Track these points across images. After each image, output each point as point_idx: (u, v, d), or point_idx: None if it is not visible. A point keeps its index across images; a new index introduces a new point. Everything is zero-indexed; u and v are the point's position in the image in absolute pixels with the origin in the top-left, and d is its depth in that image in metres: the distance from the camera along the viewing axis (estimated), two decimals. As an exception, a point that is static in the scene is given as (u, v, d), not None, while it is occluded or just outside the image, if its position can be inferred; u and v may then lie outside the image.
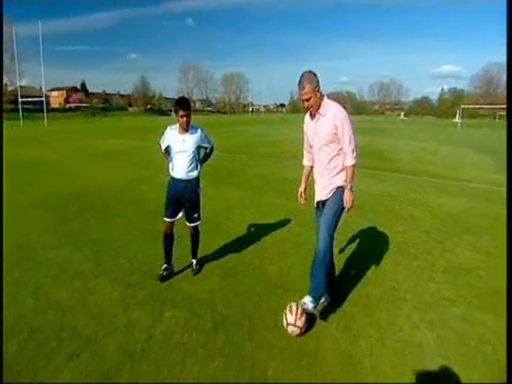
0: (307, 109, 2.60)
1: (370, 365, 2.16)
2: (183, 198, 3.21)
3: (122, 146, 14.41)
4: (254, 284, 3.16)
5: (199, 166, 3.27)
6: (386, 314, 2.72)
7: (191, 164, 3.16)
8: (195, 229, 3.38)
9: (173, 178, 3.22)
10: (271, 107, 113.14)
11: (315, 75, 2.51)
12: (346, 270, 3.50)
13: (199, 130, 3.20)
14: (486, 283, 3.24)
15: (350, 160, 2.57)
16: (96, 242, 4.10)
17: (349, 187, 2.57)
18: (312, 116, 2.65)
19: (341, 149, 2.58)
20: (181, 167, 3.15)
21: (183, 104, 3.00)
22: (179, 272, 3.36)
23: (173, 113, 3.19)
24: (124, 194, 6.50)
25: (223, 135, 19.97)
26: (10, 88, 49.55)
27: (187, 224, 3.35)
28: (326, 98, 2.57)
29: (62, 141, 17.25)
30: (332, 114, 2.51)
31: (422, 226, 4.86)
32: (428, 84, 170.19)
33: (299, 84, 2.49)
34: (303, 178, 2.95)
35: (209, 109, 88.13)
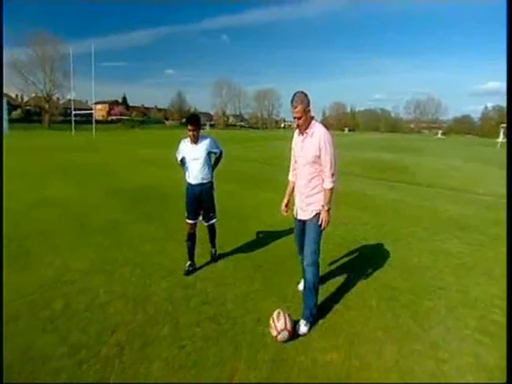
0: (297, 126, 2.75)
1: (356, 293, 3.26)
2: (200, 200, 3.61)
3: (161, 154, 16.12)
4: (279, 250, 4.33)
5: (211, 170, 3.67)
6: (374, 273, 3.77)
7: (204, 169, 3.54)
8: (212, 226, 3.82)
9: (189, 184, 3.62)
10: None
11: (306, 96, 2.65)
12: (350, 247, 4.56)
13: (208, 139, 3.58)
14: (460, 261, 4.18)
15: (328, 183, 2.69)
16: (161, 220, 5.48)
17: (326, 208, 2.71)
18: (300, 134, 2.80)
19: (322, 170, 2.72)
20: (195, 173, 3.53)
21: (191, 120, 3.40)
22: (225, 241, 4.56)
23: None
24: (172, 191, 7.89)
25: (256, 149, 21.50)
26: (61, 102, 54.69)
27: (204, 223, 3.77)
28: (314, 120, 2.74)
29: (109, 149, 19.45)
30: (318, 137, 2.65)
31: (423, 223, 5.79)
32: (470, 102, 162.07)
33: (292, 102, 2.63)
34: (287, 193, 3.07)
35: (241, 124, 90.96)
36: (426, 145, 34.34)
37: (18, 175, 9.41)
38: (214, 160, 3.77)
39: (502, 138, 38.61)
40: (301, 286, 3.23)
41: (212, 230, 3.86)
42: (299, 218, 2.91)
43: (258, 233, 5.02)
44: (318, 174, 2.73)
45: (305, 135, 2.74)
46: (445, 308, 3.06)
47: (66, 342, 2.46)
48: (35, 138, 27.66)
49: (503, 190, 9.56)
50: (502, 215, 6.42)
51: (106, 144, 23.46)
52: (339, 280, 3.56)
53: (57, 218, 5.46)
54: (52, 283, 3.32)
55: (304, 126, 2.71)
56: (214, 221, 3.78)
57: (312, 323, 2.75)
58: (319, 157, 2.66)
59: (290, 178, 3.08)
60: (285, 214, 3.05)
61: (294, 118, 2.68)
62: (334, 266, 3.87)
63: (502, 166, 15.64)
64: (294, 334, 2.55)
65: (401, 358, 2.40)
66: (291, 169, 3.06)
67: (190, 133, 3.42)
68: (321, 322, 2.80)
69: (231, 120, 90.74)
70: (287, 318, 2.52)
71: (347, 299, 3.17)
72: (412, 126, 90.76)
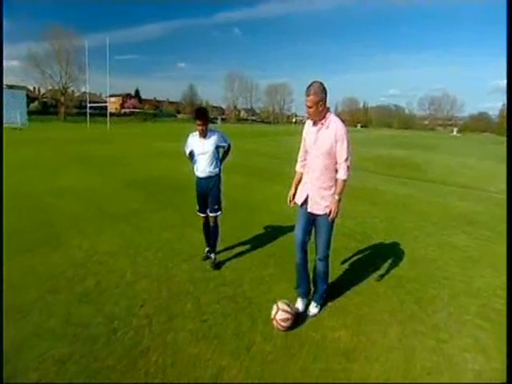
0: (308, 115, 2.69)
1: (364, 280, 3.47)
2: (207, 192, 3.67)
3: (173, 147, 16.43)
4: (290, 240, 4.51)
5: (219, 164, 3.71)
6: (381, 263, 3.96)
7: (212, 163, 3.59)
8: (215, 220, 3.74)
9: (198, 178, 3.68)
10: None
11: (324, 88, 2.55)
12: (359, 238, 4.74)
13: (217, 133, 3.62)
14: (466, 254, 4.33)
15: (343, 174, 2.64)
16: (178, 209, 5.77)
17: (337, 198, 2.67)
18: (315, 124, 2.71)
19: (335, 163, 2.65)
20: (203, 167, 3.59)
21: (199, 115, 3.42)
22: (238, 230, 4.82)
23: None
24: (186, 182, 8.06)
25: (268, 144, 21.72)
26: (76, 94, 55.84)
27: (209, 214, 3.75)
28: (330, 113, 2.65)
29: (123, 141, 19.92)
30: (334, 129, 2.59)
31: (432, 219, 5.92)
32: (488, 99, 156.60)
33: (306, 91, 2.55)
34: (294, 184, 2.98)
35: (253, 118, 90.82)
36: (440, 142, 33.85)
37: (38, 166, 9.85)
38: (222, 154, 3.81)
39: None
40: (299, 305, 2.97)
41: (215, 225, 3.75)
42: (310, 210, 2.79)
43: (270, 223, 5.24)
44: (332, 166, 2.66)
45: (320, 126, 2.65)
46: (448, 296, 3.24)
47: (101, 313, 2.74)
48: (52, 129, 28.41)
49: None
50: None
51: (121, 136, 23.95)
52: (348, 269, 3.77)
53: (79, 206, 5.80)
54: (83, 263, 3.62)
55: (317, 117, 2.63)
56: (217, 213, 3.72)
57: (322, 305, 2.97)
58: (334, 149, 2.60)
59: (298, 168, 2.98)
60: (291, 205, 2.97)
61: (306, 106, 2.59)
62: (343, 256, 4.06)
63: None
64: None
65: (404, 337, 2.60)
66: (300, 159, 2.96)
67: (199, 127, 3.46)
68: (330, 304, 3.02)
69: (242, 114, 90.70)
70: (290, 319, 2.62)
71: (356, 286, 3.38)
72: (426, 122, 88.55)
